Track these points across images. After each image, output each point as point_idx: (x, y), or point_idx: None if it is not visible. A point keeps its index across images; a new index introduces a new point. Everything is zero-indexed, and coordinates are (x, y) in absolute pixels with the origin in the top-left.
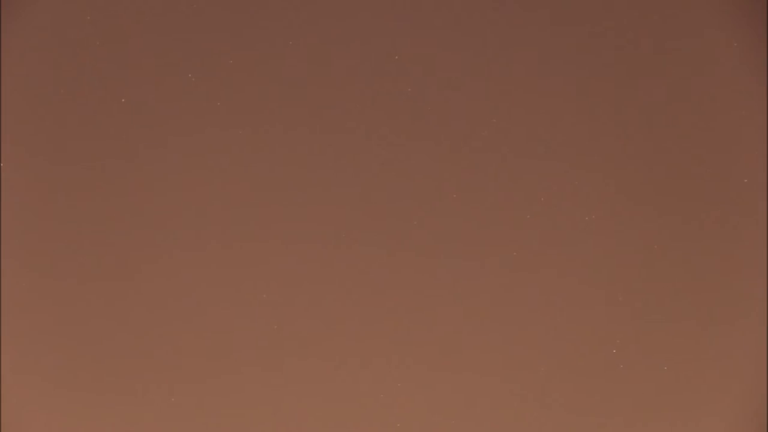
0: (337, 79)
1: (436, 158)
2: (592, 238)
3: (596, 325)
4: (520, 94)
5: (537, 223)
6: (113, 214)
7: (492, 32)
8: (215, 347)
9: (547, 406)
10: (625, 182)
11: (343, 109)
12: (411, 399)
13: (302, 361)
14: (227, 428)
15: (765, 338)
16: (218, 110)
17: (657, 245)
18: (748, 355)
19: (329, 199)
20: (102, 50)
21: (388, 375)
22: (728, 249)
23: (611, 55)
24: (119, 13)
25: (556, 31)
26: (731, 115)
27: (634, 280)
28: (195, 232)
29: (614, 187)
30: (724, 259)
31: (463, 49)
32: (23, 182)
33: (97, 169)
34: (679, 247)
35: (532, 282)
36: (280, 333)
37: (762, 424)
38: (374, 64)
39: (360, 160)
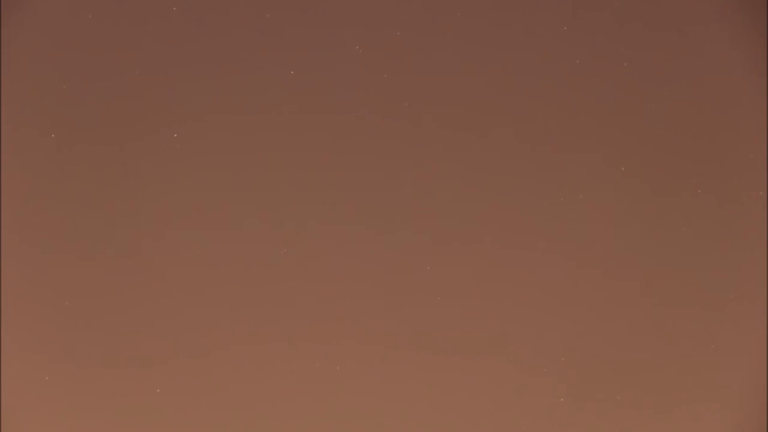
0: (340, 78)
1: (439, 157)
2: (593, 235)
3: (596, 323)
4: (523, 94)
5: (539, 222)
6: (114, 214)
7: (496, 34)
8: (217, 348)
9: (547, 402)
10: (626, 182)
11: (346, 106)
12: (414, 398)
13: (302, 359)
14: (228, 428)
15: (765, 337)
16: (221, 109)
17: (660, 243)
18: (749, 352)
19: (333, 197)
20: (102, 50)
21: (389, 374)
22: (729, 248)
23: (613, 57)
24: (120, 12)
25: (558, 32)
26: (731, 115)
27: (635, 279)
28: (195, 233)
29: (615, 187)
30: (725, 258)
31: (465, 50)
32: (23, 182)
33: (96, 169)
34: (681, 245)
35: (534, 280)
36: (281, 331)
37: (762, 424)
38: (375, 61)
39: (358, 157)
